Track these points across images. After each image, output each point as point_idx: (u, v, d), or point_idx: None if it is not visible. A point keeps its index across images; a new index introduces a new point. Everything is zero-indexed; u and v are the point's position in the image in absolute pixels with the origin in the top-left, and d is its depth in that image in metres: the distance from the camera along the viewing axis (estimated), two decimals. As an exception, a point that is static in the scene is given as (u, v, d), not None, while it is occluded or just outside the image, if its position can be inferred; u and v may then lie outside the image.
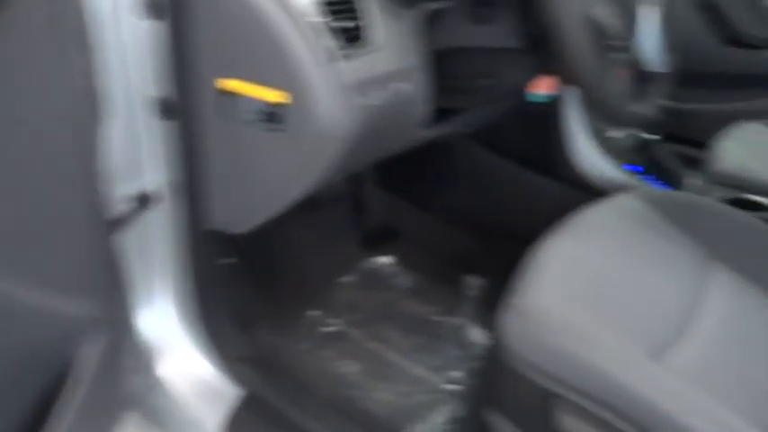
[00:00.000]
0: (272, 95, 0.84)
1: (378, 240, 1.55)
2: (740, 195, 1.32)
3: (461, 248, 1.49)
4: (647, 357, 0.84)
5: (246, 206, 0.94)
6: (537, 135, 1.34)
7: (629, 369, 0.81)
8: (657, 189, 1.15)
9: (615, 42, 0.84)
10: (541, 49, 0.85)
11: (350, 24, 0.82)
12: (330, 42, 0.81)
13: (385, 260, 1.50)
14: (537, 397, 0.86)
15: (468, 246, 1.48)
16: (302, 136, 0.85)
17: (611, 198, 1.12)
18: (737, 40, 1.75)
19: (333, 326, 1.31)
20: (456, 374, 1.22)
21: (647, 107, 0.98)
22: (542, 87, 1.10)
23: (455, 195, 1.51)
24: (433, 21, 0.97)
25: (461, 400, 1.17)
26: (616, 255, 1.00)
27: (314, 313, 1.32)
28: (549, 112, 1.29)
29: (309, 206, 1.46)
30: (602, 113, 0.92)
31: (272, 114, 0.85)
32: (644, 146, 1.33)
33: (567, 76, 0.82)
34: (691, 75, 1.83)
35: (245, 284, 1.14)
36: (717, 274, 1.05)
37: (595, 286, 0.90)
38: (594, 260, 0.97)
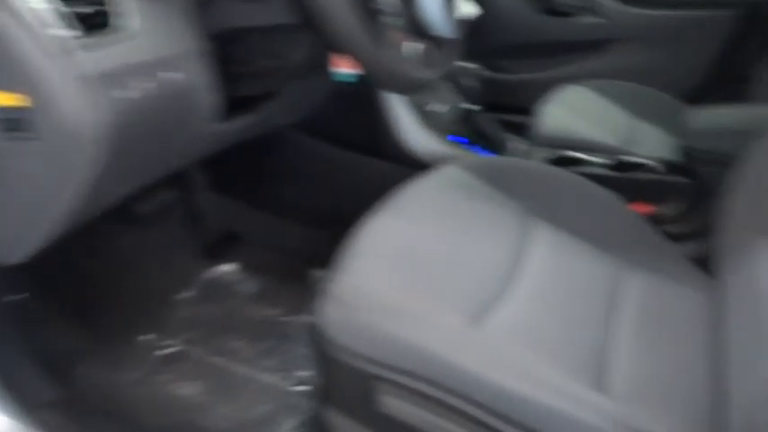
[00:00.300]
0: (7, 99, 0.73)
1: (218, 248, 1.46)
2: (562, 154, 1.35)
3: (305, 243, 1.43)
4: (465, 324, 0.82)
5: (11, 231, 0.82)
6: (359, 116, 1.30)
7: (446, 338, 0.78)
8: (481, 157, 1.15)
9: (385, 5, 0.80)
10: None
11: (87, 10, 0.72)
12: (63, 32, 0.71)
13: (227, 268, 1.41)
14: (359, 383, 0.82)
15: (312, 239, 1.42)
16: (55, 141, 0.75)
17: (434, 170, 1.10)
18: (552, 9, 1.82)
19: (169, 347, 1.20)
20: (305, 374, 1.15)
21: (434, 72, 0.96)
22: (344, 65, 1.05)
23: (291, 189, 1.45)
24: (204, 2, 0.89)
25: (310, 400, 1.11)
26: (435, 225, 0.97)
27: (146, 337, 1.21)
28: (364, 91, 1.26)
29: (132, 221, 1.35)
30: (379, 81, 0.89)
31: (15, 122, 0.74)
32: (467, 116, 1.33)
33: (337, 45, 0.77)
34: (514, 46, 1.88)
35: (48, 320, 1.02)
36: (537, 231, 1.05)
37: (413, 260, 0.87)
38: (413, 234, 0.94)
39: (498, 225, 1.03)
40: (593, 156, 1.32)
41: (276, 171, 1.45)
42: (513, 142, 1.40)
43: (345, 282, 0.84)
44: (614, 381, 0.81)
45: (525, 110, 1.54)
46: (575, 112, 1.49)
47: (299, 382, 1.14)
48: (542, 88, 1.53)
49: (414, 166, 1.29)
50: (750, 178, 1.00)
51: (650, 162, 1.26)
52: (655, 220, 1.14)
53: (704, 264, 1.07)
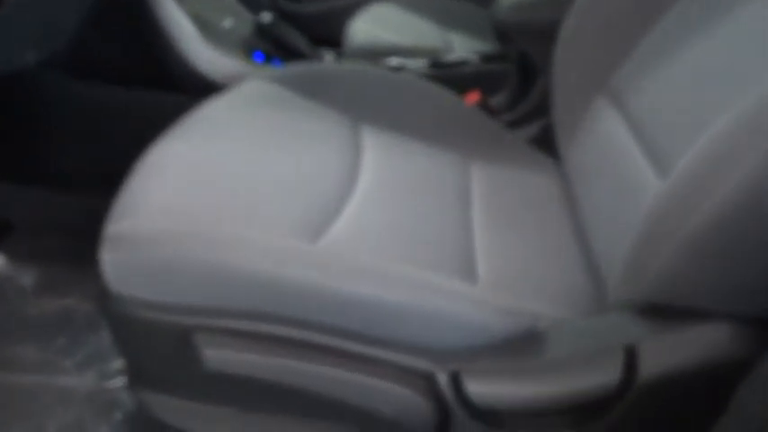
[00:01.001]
0: None
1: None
2: (377, 62, 1.22)
3: (91, 217, 1.15)
4: (296, 242, 0.65)
5: None
6: (133, 41, 1.05)
7: (275, 259, 0.60)
8: (288, 68, 0.97)
9: None
10: None
11: None
12: None
13: (-5, 263, 1.10)
14: (172, 343, 0.62)
15: (99, 210, 1.15)
16: None
17: (231, 89, 0.91)
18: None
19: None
20: (117, 364, 0.92)
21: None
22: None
23: (62, 152, 1.16)
24: None
25: (128, 392, 0.88)
26: (239, 141, 0.79)
27: None
28: (134, 4, 1.02)
29: None
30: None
31: None
32: (265, 30, 1.14)
33: None
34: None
35: None
36: (368, 136, 0.91)
37: (215, 182, 0.68)
38: (212, 153, 0.74)
39: (321, 135, 0.87)
40: (409, 60, 1.21)
41: (38, 131, 1.15)
42: (321, 55, 1.24)
43: (125, 222, 0.63)
44: (480, 270, 0.71)
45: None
46: (385, 23, 1.38)
47: (112, 375, 0.90)
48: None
49: (211, 92, 1.08)
50: (568, 45, 0.94)
51: (467, 56, 1.18)
52: (485, 106, 1.07)
53: (543, 144, 1.02)
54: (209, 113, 0.84)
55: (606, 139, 0.81)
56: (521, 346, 0.61)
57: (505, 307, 0.62)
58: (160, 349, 0.62)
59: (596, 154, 0.83)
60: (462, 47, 1.37)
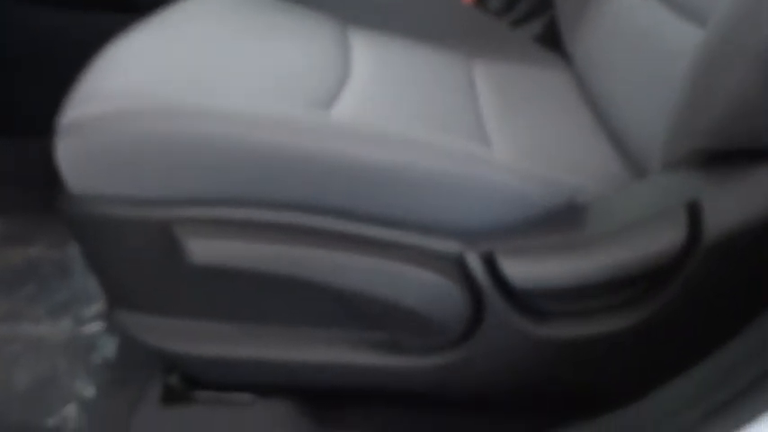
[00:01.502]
0: None
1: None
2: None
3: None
4: (301, 111, 0.55)
5: None
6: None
7: (268, 127, 0.51)
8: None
9: None
10: None
11: None
12: None
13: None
14: (147, 241, 0.52)
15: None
16: None
17: None
18: None
19: None
20: (92, 309, 0.82)
21: None
22: None
23: (23, 92, 1.04)
24: None
25: (105, 334, 0.78)
26: (215, 34, 0.69)
27: None
28: None
29: None
30: None
31: None
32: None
33: None
34: None
35: None
36: (360, 36, 0.82)
37: (189, 64, 0.58)
38: (182, 43, 0.64)
39: (305, 33, 0.77)
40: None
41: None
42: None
43: (81, 108, 0.53)
44: (495, 143, 0.62)
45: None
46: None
47: (88, 320, 0.80)
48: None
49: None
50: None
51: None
52: (482, 5, 0.97)
53: (547, 42, 0.93)
54: (173, 13, 0.74)
55: (621, 15, 0.73)
56: (562, 220, 0.53)
57: (542, 175, 0.53)
58: (136, 252, 0.52)
59: (611, 34, 0.75)
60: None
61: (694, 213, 0.48)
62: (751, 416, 0.37)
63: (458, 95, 0.71)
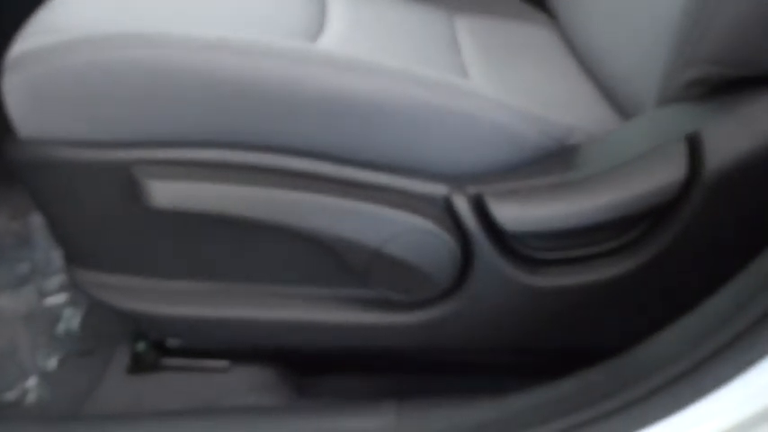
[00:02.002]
0: None
1: None
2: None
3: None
4: (283, 39, 0.51)
5: None
6: None
7: (246, 57, 0.46)
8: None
9: None
10: None
11: None
12: None
13: None
14: (106, 186, 0.48)
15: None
16: None
17: None
18: None
19: None
20: (56, 281, 0.77)
21: None
22: None
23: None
24: None
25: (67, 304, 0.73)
26: None
27: None
28: None
29: None
30: None
31: None
32: None
33: None
34: None
35: None
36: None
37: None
38: None
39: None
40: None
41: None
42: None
43: (31, 39, 0.49)
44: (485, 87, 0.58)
45: None
46: None
47: (51, 291, 0.75)
48: None
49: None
50: None
51: None
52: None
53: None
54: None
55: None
56: (555, 161, 0.50)
57: (532, 113, 0.50)
58: (94, 200, 0.48)
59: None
60: None
61: (694, 147, 0.45)
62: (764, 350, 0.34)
63: (440, 44, 0.67)
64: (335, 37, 0.55)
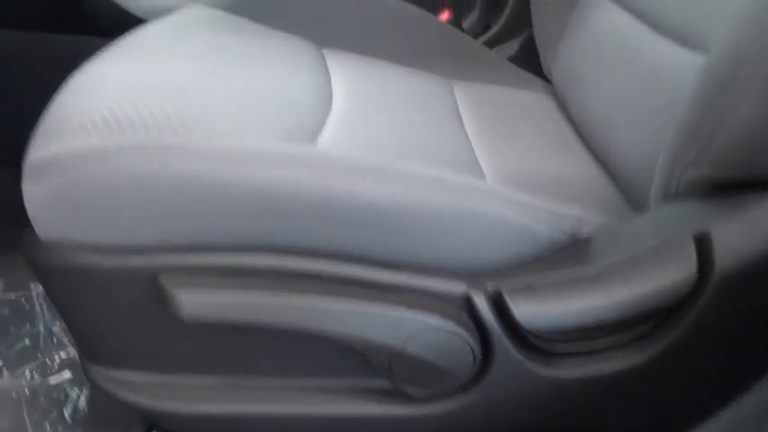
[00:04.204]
0: None
1: None
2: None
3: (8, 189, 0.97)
4: (292, 142, 0.52)
5: None
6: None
7: (261, 164, 0.47)
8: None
9: None
10: None
11: None
12: None
13: None
14: (129, 292, 0.48)
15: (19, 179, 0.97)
16: None
17: (169, 15, 0.76)
18: None
19: None
20: (59, 356, 0.76)
21: None
22: None
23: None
24: None
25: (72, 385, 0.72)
26: (189, 59, 0.65)
27: None
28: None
29: None
30: None
31: None
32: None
33: None
34: None
35: None
36: (336, 57, 0.80)
37: (165, 93, 0.54)
38: (155, 70, 0.60)
39: (282, 56, 0.74)
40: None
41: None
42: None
43: (50, 146, 0.49)
44: (487, 172, 0.60)
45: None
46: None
47: (55, 369, 0.74)
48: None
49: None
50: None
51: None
52: (457, 24, 0.96)
53: (524, 63, 0.92)
54: (144, 35, 0.70)
55: (606, 34, 0.72)
56: (568, 253, 0.51)
57: (544, 207, 0.51)
58: (116, 304, 0.48)
59: (592, 53, 0.74)
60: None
61: (703, 245, 0.47)
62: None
63: (443, 122, 0.69)
64: (340, 128, 0.56)
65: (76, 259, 0.47)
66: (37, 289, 0.83)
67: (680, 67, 0.56)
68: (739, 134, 0.46)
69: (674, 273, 0.47)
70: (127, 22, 0.91)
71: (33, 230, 0.49)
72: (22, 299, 0.82)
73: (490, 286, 0.49)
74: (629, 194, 0.62)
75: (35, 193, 0.47)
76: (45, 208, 0.47)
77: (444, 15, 0.94)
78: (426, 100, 0.74)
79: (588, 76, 0.74)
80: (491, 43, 0.94)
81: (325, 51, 0.81)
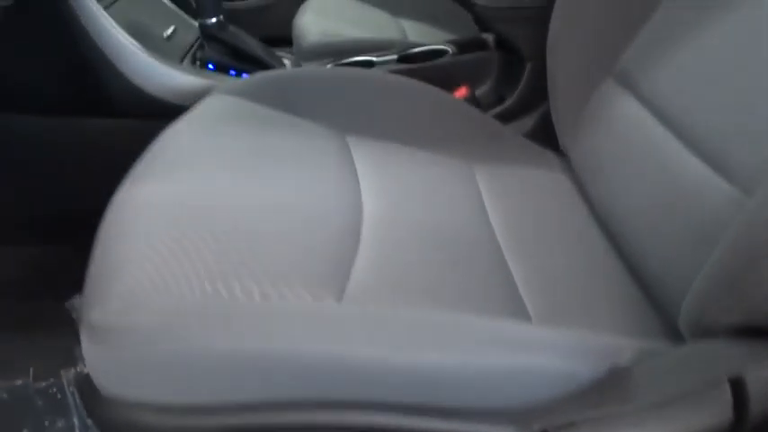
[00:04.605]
0: None
1: None
2: (339, 62, 1.10)
3: (36, 270, 0.98)
4: (317, 303, 0.55)
5: None
6: (47, 55, 0.88)
7: (291, 328, 0.49)
8: (248, 79, 0.84)
9: None
10: None
11: None
12: None
13: None
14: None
15: (45, 262, 0.98)
16: None
17: (190, 109, 0.78)
18: None
19: None
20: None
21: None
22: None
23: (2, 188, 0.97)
24: None
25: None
26: (222, 175, 0.67)
27: None
28: (62, 25, 0.85)
29: None
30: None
31: None
32: (212, 35, 1.00)
33: None
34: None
35: None
36: (354, 148, 0.81)
37: (205, 240, 0.56)
38: (192, 198, 0.62)
39: (309, 154, 0.76)
40: (374, 56, 1.10)
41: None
42: (279, 58, 1.11)
43: (105, 308, 0.51)
44: (528, 304, 0.63)
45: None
46: (336, 16, 1.26)
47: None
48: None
49: (160, 114, 0.93)
50: (565, 30, 0.86)
51: (441, 46, 1.08)
52: (474, 100, 0.98)
53: (539, 138, 0.94)
54: (175, 142, 0.71)
55: (630, 133, 0.74)
56: (608, 387, 0.53)
57: (585, 347, 0.53)
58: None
59: (619, 151, 0.76)
60: (417, 36, 1.27)
61: (738, 390, 0.49)
62: None
63: (474, 234, 0.71)
64: (370, 268, 0.58)
65: (139, 417, 0.49)
66: (68, 376, 0.84)
67: (715, 198, 0.57)
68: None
69: (711, 417, 0.49)
70: (141, 104, 0.92)
71: (92, 382, 0.50)
72: (54, 388, 0.84)
73: (536, 427, 0.51)
74: (660, 308, 0.64)
75: (96, 355, 0.49)
76: (107, 370, 0.49)
77: (462, 92, 0.95)
78: (454, 202, 0.76)
79: (612, 175, 0.75)
80: (505, 117, 0.96)
81: (348, 140, 0.83)
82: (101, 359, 0.49)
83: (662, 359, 0.55)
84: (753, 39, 0.61)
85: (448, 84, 0.97)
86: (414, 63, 1.04)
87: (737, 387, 0.49)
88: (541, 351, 0.52)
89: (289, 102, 0.84)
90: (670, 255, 0.62)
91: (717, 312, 0.52)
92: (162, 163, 0.67)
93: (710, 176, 0.58)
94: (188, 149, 0.69)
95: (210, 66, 0.93)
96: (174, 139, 0.71)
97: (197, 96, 0.92)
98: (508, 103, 0.97)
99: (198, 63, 0.93)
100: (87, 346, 0.49)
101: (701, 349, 0.53)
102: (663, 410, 0.51)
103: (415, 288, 0.60)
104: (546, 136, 0.92)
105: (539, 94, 0.95)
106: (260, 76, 0.86)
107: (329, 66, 1.04)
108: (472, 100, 0.95)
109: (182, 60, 0.91)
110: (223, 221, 0.60)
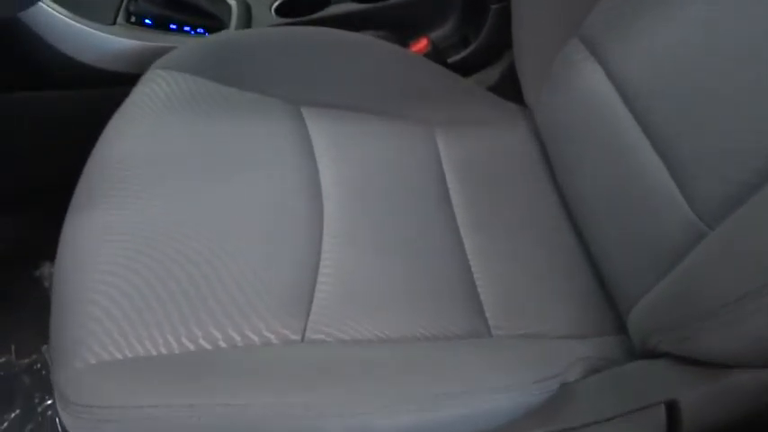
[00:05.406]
0: None
1: None
2: None
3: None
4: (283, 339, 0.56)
5: None
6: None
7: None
8: (193, 47, 0.77)
9: None
10: None
11: None
12: None
13: None
14: None
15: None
16: None
17: (129, 99, 0.73)
18: None
19: None
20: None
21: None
22: None
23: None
24: None
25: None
26: (178, 193, 0.65)
27: None
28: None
29: None
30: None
31: None
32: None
33: None
34: None
35: None
36: (310, 125, 0.78)
37: (162, 286, 0.56)
38: (145, 231, 0.61)
39: (265, 149, 0.73)
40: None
41: None
42: (220, 3, 1.00)
43: (66, 372, 0.52)
44: (486, 310, 0.65)
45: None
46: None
47: None
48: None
49: (102, 83, 0.86)
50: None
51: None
52: (435, 53, 0.92)
53: (504, 91, 0.90)
54: (119, 151, 0.68)
55: (586, 100, 0.70)
56: (554, 408, 0.57)
57: (538, 373, 0.57)
58: None
59: (573, 116, 0.72)
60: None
61: (672, 412, 0.54)
62: None
63: (435, 223, 0.70)
64: (333, 288, 0.59)
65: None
66: (48, 352, 0.87)
67: (674, 220, 0.55)
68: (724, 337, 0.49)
69: (645, 439, 0.54)
70: (80, 74, 0.85)
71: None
72: (38, 364, 0.86)
73: None
74: (615, 300, 0.66)
75: (72, 423, 0.50)
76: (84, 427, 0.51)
77: (422, 45, 0.88)
78: (413, 182, 0.74)
79: (567, 151, 0.73)
80: (469, 64, 0.90)
81: (303, 112, 0.79)
82: (76, 427, 0.51)
83: (607, 376, 0.58)
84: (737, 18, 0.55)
85: (409, 25, 0.90)
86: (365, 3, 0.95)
87: (672, 410, 0.54)
88: (493, 395, 0.54)
89: (237, 73, 0.78)
90: (624, 258, 0.63)
91: (656, 340, 0.55)
92: (109, 182, 0.64)
93: (674, 195, 0.55)
94: (131, 161, 0.66)
95: (147, 21, 0.84)
96: (116, 147, 0.67)
97: (136, 60, 0.85)
98: (472, 47, 0.91)
99: (133, 19, 0.83)
100: (61, 411, 0.51)
101: (642, 368, 0.57)
102: (602, 429, 0.55)
103: (376, 308, 0.61)
104: (513, 89, 0.88)
105: (504, 39, 0.89)
106: (203, 43, 0.79)
107: (276, 18, 0.95)
108: (433, 54, 0.88)
109: (114, 19, 0.82)
110: (178, 254, 0.59)
